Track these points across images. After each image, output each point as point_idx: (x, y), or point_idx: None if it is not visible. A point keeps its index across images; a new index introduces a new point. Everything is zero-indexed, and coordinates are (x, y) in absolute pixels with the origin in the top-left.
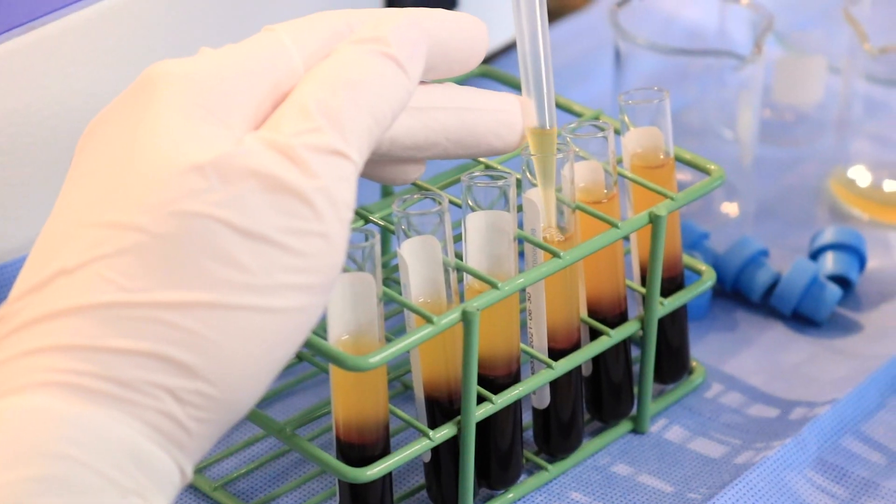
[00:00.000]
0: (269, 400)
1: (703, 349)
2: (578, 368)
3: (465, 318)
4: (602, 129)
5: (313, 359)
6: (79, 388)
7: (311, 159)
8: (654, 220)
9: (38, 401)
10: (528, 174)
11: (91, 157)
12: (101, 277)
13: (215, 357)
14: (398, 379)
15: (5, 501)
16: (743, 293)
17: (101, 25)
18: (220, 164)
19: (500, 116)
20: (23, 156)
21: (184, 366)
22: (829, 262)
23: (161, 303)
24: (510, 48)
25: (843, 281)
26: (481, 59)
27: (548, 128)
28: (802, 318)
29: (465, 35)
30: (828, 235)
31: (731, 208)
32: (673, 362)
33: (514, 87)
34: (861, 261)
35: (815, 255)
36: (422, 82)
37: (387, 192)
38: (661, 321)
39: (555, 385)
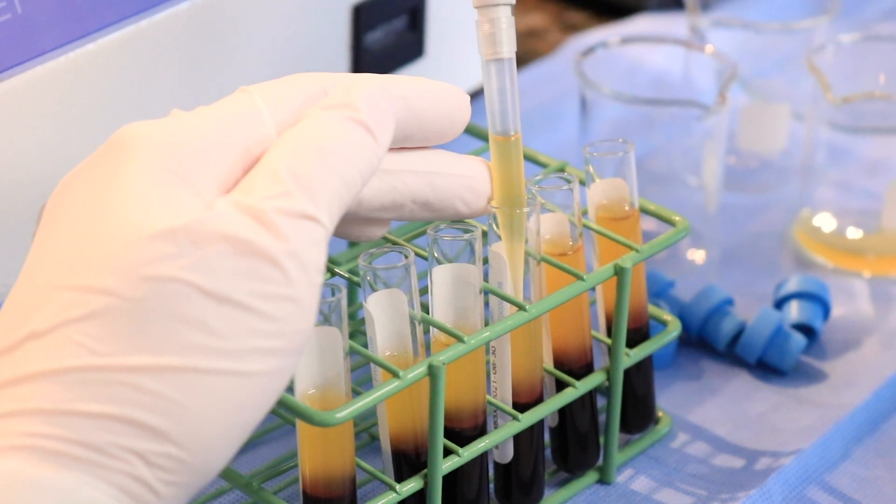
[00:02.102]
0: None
1: (668, 398)
2: (540, 423)
3: (432, 373)
4: (567, 181)
5: (280, 411)
6: (48, 451)
7: (281, 223)
8: (619, 272)
9: (7, 465)
10: (494, 227)
11: (61, 220)
12: (72, 341)
13: (185, 421)
14: (366, 430)
15: None
16: (708, 342)
17: (69, 78)
18: (190, 228)
19: (468, 182)
20: None
21: (153, 429)
22: (794, 310)
23: (131, 367)
24: (476, 95)
25: (807, 330)
26: (461, 130)
27: (511, 134)
28: (767, 367)
29: (444, 106)
30: (792, 284)
31: (696, 255)
32: (639, 412)
33: (480, 137)
34: (825, 309)
35: (779, 303)
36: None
37: (354, 243)
38: (627, 371)
39: (517, 439)
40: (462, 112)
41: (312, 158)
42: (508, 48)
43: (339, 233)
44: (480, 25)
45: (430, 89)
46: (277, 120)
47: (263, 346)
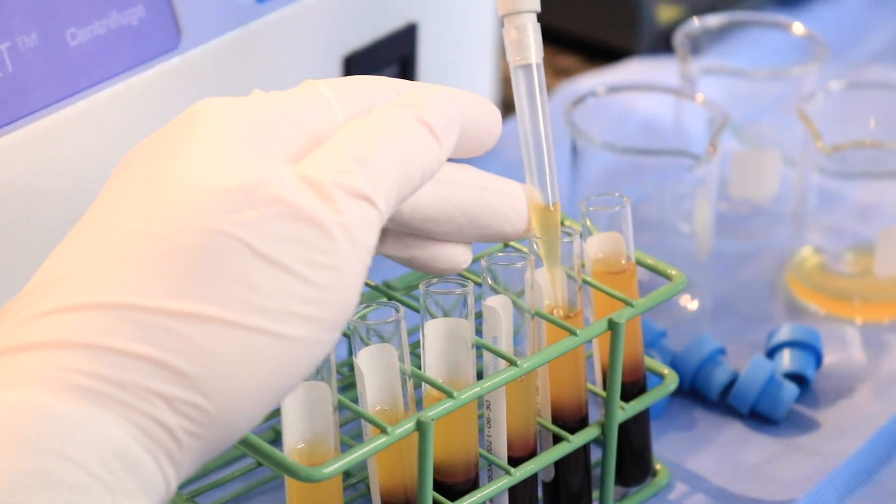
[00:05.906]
0: (228, 502)
1: (661, 448)
2: (534, 478)
3: (420, 428)
4: (569, 234)
5: (269, 464)
6: (76, 385)
7: (338, 196)
8: (613, 327)
9: (33, 396)
10: (488, 280)
11: (128, 175)
12: (115, 278)
13: (215, 372)
14: (362, 481)
15: None
16: (701, 391)
17: (59, 136)
18: (249, 188)
19: (511, 201)
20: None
21: (183, 375)
22: (786, 359)
23: (170, 311)
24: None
25: (799, 378)
26: (494, 142)
27: (551, 206)
28: (760, 417)
29: (483, 117)
30: (784, 333)
31: (689, 302)
32: (636, 465)
33: None
34: (817, 358)
35: (771, 352)
36: None
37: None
38: (624, 424)
39: (510, 493)
40: (496, 125)
41: (376, 144)
42: (536, 54)
43: (423, 262)
44: (507, 33)
45: (472, 100)
46: (345, 111)
47: (304, 312)
